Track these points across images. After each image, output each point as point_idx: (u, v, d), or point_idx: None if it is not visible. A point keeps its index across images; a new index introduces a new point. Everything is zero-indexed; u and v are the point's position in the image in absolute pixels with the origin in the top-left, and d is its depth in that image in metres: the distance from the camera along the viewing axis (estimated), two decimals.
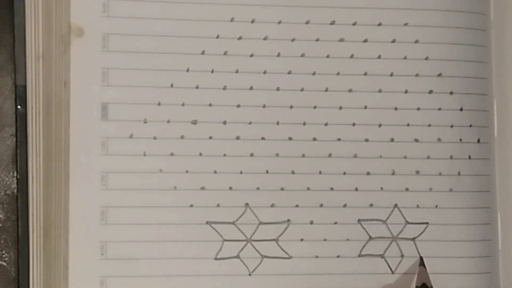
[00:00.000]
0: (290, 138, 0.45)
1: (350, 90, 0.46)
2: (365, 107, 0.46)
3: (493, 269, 0.47)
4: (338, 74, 0.46)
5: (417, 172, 0.46)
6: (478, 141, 0.47)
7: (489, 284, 0.46)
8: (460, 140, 0.46)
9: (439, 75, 0.46)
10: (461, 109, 0.46)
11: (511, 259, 0.47)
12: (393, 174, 0.46)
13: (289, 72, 0.45)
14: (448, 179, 0.46)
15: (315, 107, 0.46)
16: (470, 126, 0.47)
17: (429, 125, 0.46)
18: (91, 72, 0.44)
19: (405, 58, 0.46)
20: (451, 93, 0.46)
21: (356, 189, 0.45)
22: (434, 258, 0.46)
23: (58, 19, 0.44)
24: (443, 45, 0.46)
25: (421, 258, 0.45)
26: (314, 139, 0.45)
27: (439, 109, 0.46)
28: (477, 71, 0.47)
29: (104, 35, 0.44)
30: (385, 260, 0.45)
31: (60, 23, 0.44)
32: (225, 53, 0.45)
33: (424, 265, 0.45)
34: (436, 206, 0.46)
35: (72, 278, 0.43)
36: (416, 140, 0.46)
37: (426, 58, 0.46)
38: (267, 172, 0.45)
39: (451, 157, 0.46)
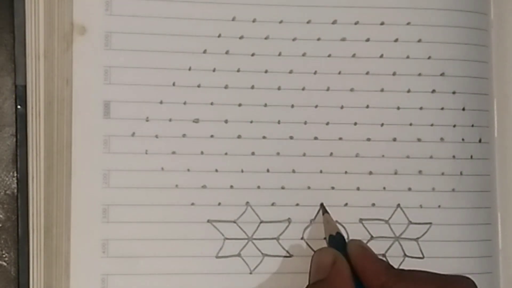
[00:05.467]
0: (291, 137, 0.47)
1: (351, 90, 0.47)
2: (367, 107, 0.47)
3: (493, 269, 0.48)
4: (339, 73, 0.47)
5: (420, 172, 0.47)
6: (480, 141, 0.48)
7: (489, 284, 0.47)
8: (463, 140, 0.48)
9: (442, 74, 0.48)
10: (463, 109, 0.48)
11: (511, 259, 0.49)
12: (395, 173, 0.47)
13: (291, 72, 0.47)
14: (450, 179, 0.47)
15: (316, 106, 0.47)
16: (472, 126, 0.48)
17: (432, 125, 0.47)
18: (93, 70, 0.45)
19: (407, 57, 0.48)
20: (453, 92, 0.48)
21: (358, 189, 0.47)
22: (437, 258, 0.47)
23: (61, 18, 0.45)
24: (446, 44, 0.48)
25: (322, 204, 0.46)
26: (315, 138, 0.47)
27: (442, 108, 0.48)
28: (479, 71, 0.48)
29: (107, 33, 0.46)
30: (386, 260, 0.46)
31: (63, 21, 0.45)
32: (227, 52, 0.47)
33: (328, 212, 0.46)
34: (439, 206, 0.47)
35: (73, 276, 0.44)
36: (419, 140, 0.47)
37: (429, 58, 0.48)
38: (268, 171, 0.46)
39: (454, 157, 0.47)
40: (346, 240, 0.45)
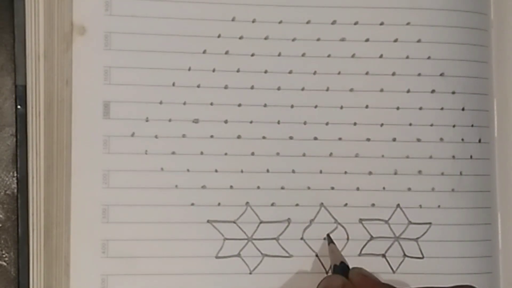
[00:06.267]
0: (291, 138, 0.47)
1: (351, 90, 0.47)
2: (367, 107, 0.47)
3: (493, 269, 0.48)
4: (339, 73, 0.47)
5: (420, 172, 0.47)
6: (479, 141, 0.48)
7: (489, 284, 0.47)
8: (462, 140, 0.48)
9: (442, 74, 0.48)
10: (463, 109, 0.48)
11: (511, 259, 0.49)
12: (395, 174, 0.47)
13: (290, 72, 0.47)
14: (450, 179, 0.47)
15: (316, 107, 0.47)
16: (472, 126, 0.48)
17: (432, 125, 0.48)
18: (93, 70, 0.45)
19: (407, 57, 0.48)
20: (453, 92, 0.48)
21: (358, 189, 0.47)
22: (436, 258, 0.47)
23: (60, 18, 0.45)
24: (445, 44, 0.48)
25: (328, 235, 0.46)
26: (315, 139, 0.47)
27: (441, 108, 0.48)
28: (479, 71, 0.48)
29: (106, 33, 0.46)
30: (386, 260, 0.47)
31: (63, 21, 0.45)
32: (227, 53, 0.47)
33: (333, 242, 0.46)
34: (439, 206, 0.47)
35: (73, 276, 0.45)
36: (419, 140, 0.47)
37: (429, 58, 0.48)
38: (267, 171, 0.46)
39: (453, 157, 0.48)
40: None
